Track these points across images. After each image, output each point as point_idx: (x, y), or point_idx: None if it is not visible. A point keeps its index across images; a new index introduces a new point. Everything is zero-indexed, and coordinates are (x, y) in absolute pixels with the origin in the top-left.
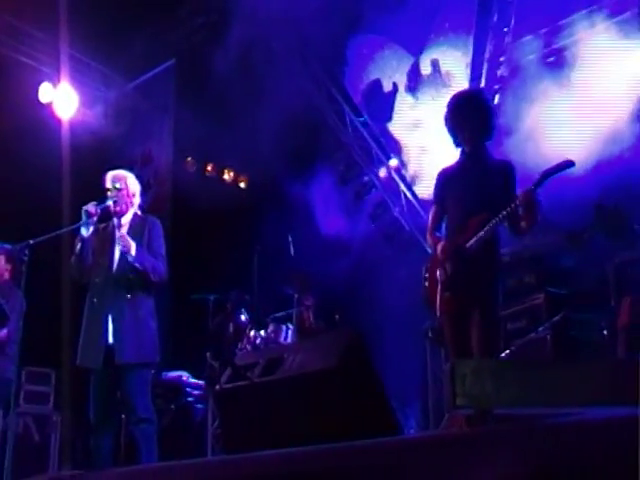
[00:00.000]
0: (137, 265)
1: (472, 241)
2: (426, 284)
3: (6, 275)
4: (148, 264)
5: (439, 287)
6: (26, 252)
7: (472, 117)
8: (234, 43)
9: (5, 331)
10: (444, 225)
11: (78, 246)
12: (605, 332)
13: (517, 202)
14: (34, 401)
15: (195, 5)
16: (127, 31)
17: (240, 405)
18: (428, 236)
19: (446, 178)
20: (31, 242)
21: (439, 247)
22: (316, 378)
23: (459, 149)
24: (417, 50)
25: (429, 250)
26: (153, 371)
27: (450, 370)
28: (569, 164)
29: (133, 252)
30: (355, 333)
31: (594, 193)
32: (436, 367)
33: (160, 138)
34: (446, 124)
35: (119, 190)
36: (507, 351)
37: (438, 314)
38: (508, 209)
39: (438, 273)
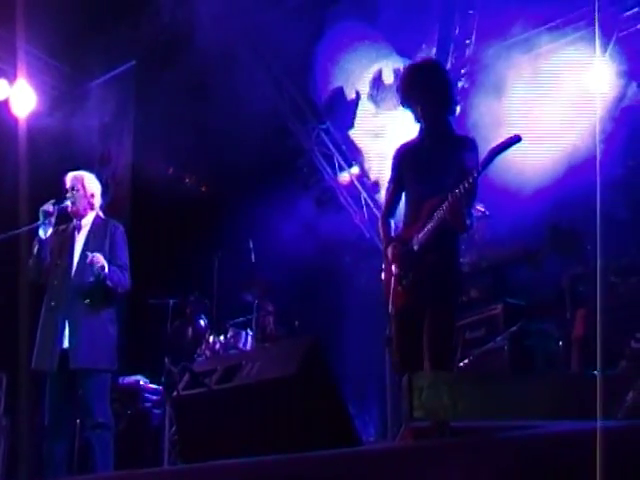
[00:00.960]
0: (108, 283)
1: (421, 234)
2: (383, 278)
3: None
4: (116, 279)
5: (392, 281)
6: None
7: (428, 87)
8: (197, 46)
9: None
10: (405, 205)
11: (36, 247)
12: (560, 343)
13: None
14: None
15: (158, 7)
16: (88, 30)
17: (197, 412)
18: (380, 222)
19: (403, 156)
20: None
21: (389, 250)
22: (274, 386)
23: (418, 125)
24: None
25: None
26: (110, 376)
27: (408, 382)
28: (516, 139)
29: (107, 269)
30: (314, 340)
31: (550, 210)
32: (395, 374)
33: (120, 139)
34: (402, 99)
35: (77, 191)
36: (465, 360)
37: (390, 309)
38: (443, 210)
39: (393, 267)
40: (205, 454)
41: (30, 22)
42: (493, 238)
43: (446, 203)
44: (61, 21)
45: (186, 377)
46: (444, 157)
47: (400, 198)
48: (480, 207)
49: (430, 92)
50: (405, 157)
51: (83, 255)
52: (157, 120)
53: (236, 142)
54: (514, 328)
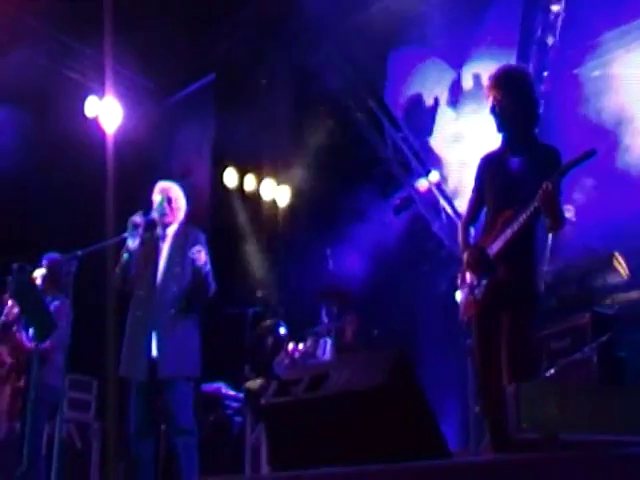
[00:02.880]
0: (209, 281)
1: (495, 244)
2: (459, 289)
3: (52, 284)
4: (211, 280)
5: (466, 290)
6: (74, 263)
7: (515, 100)
8: (274, 58)
9: (48, 342)
10: (485, 215)
11: (124, 256)
12: None
13: (535, 203)
14: (77, 408)
15: (236, 20)
16: (170, 46)
17: (286, 421)
18: (460, 228)
19: (485, 166)
20: (79, 253)
21: (464, 256)
22: (363, 395)
23: (500, 134)
24: (458, 63)
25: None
26: (194, 383)
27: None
28: (591, 153)
29: (209, 267)
30: (401, 351)
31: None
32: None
33: (200, 152)
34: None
35: (164, 201)
36: (551, 370)
37: (461, 317)
38: (528, 212)
39: (467, 274)
40: (295, 463)
41: (116, 41)
42: (580, 244)
43: (537, 199)
44: (144, 38)
45: (273, 385)
46: (523, 172)
47: (481, 208)
48: (569, 213)
49: (515, 105)
50: (487, 168)
51: (168, 265)
52: (236, 133)
53: (313, 151)
54: (603, 338)
